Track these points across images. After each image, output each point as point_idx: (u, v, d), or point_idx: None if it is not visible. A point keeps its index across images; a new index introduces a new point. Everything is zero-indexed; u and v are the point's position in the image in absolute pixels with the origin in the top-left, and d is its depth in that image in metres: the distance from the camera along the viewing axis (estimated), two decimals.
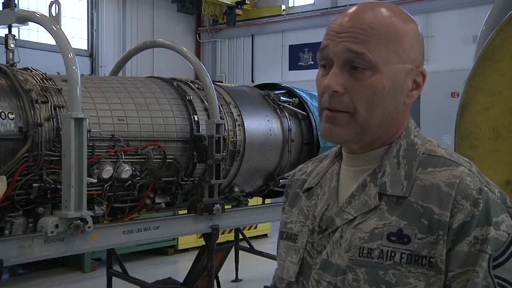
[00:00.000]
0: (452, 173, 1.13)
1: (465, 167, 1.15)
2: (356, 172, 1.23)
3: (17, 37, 4.63)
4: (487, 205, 1.09)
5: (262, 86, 6.36)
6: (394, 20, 1.17)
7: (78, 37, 15.20)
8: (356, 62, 1.14)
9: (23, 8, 6.13)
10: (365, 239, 1.14)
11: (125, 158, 4.37)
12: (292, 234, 1.30)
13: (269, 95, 5.89)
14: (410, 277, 1.09)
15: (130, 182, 4.42)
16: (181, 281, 5.64)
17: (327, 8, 15.93)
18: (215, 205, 4.82)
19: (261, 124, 5.55)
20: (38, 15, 4.30)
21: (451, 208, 1.09)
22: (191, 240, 8.25)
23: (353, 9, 1.18)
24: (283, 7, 17.32)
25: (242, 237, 6.95)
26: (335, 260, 1.17)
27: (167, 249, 8.55)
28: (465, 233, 1.07)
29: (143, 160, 4.51)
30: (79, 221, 3.87)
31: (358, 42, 1.13)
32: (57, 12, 4.39)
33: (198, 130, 4.86)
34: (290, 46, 16.91)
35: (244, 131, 5.32)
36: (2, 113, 3.81)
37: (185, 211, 5.03)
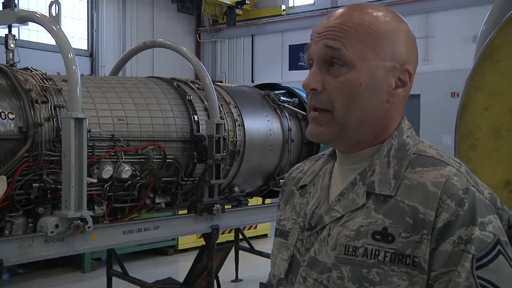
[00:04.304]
0: (439, 173, 1.13)
1: (454, 166, 1.15)
2: (347, 171, 1.24)
3: (17, 37, 4.63)
4: (473, 205, 1.08)
5: (262, 86, 6.35)
6: (373, 19, 1.17)
7: (78, 37, 15.19)
8: (333, 58, 1.16)
9: (23, 8, 6.12)
10: (351, 237, 1.15)
11: (125, 158, 4.37)
12: (284, 231, 1.32)
13: (269, 95, 5.89)
14: (394, 276, 1.09)
15: (130, 182, 4.42)
16: (181, 281, 5.64)
17: (327, 8, 15.90)
18: (215, 205, 4.82)
19: (261, 124, 5.55)
20: (38, 15, 4.30)
21: (436, 208, 1.09)
22: (191, 240, 8.25)
23: (337, 10, 1.21)
24: (283, 7, 17.31)
25: (242, 237, 6.96)
26: (322, 257, 1.19)
27: (167, 249, 8.56)
28: (449, 232, 1.07)
29: (143, 160, 4.51)
30: (79, 221, 3.88)
31: (334, 39, 1.16)
32: (57, 12, 4.40)
33: (198, 130, 4.86)
34: (290, 46, 16.89)
35: (244, 131, 5.32)
36: (2, 113, 3.82)
37: (185, 211, 5.03)
